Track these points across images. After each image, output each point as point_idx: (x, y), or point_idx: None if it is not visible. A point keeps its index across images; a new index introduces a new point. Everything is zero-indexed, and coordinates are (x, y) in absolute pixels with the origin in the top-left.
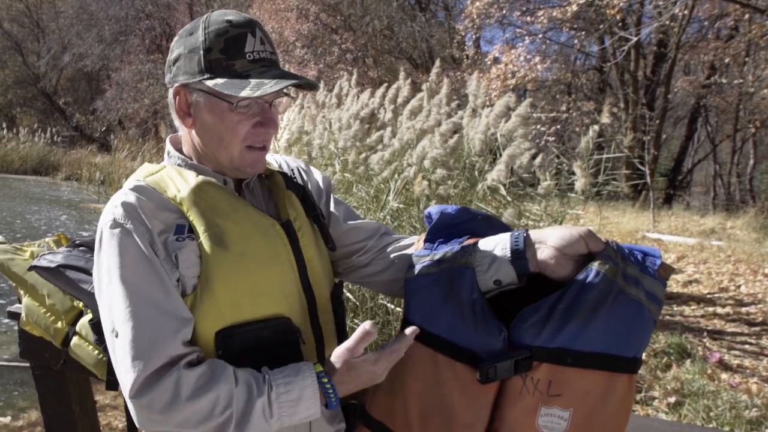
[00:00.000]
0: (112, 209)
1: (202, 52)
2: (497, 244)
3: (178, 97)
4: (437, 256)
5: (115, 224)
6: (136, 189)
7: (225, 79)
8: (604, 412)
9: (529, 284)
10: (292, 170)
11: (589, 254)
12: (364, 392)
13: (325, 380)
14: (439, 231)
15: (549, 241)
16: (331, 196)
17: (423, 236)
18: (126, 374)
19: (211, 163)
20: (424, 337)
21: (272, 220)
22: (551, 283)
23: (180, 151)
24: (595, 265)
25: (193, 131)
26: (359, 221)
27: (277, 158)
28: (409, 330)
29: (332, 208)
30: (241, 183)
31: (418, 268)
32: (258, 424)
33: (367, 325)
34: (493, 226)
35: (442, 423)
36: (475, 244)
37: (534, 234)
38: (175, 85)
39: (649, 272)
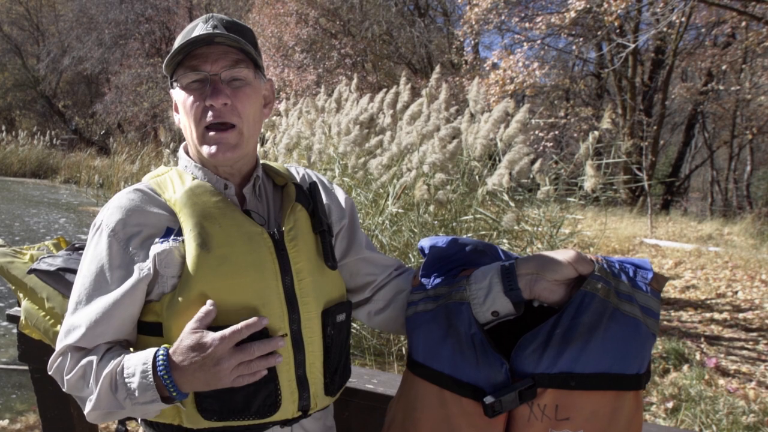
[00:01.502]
0: (105, 211)
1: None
2: (490, 276)
3: (171, 99)
4: (433, 293)
5: (100, 226)
6: (134, 192)
7: (171, 61)
8: (615, 430)
9: (529, 309)
10: (310, 184)
11: (580, 276)
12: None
13: (161, 357)
14: (433, 265)
15: (538, 270)
16: (356, 219)
17: (419, 271)
18: (56, 347)
19: (210, 165)
20: (429, 374)
21: (261, 228)
22: (550, 307)
23: (189, 153)
24: (587, 287)
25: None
26: (376, 254)
27: (300, 170)
28: (253, 319)
29: (356, 232)
30: (243, 187)
31: (416, 305)
32: (106, 394)
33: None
34: (486, 253)
35: None
36: (469, 277)
37: (522, 263)
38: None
39: (641, 287)
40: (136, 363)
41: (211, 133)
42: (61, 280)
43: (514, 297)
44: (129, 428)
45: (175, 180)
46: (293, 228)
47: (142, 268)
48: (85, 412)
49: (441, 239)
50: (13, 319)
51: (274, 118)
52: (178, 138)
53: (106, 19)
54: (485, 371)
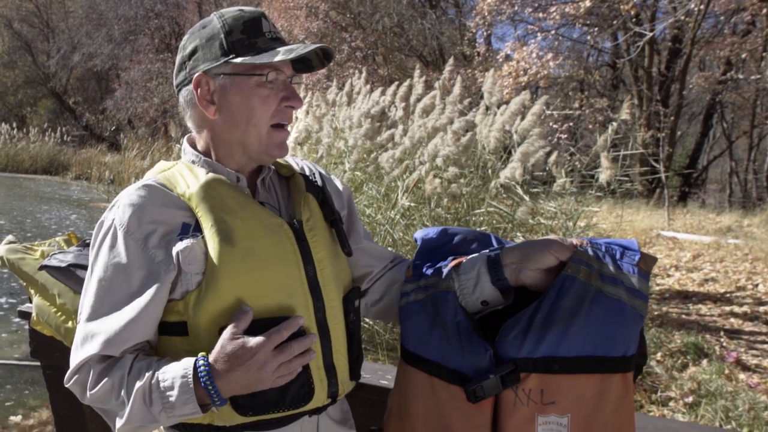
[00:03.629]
0: (115, 209)
1: (222, 36)
2: (477, 267)
3: (199, 88)
4: (423, 283)
5: (111, 226)
6: (144, 188)
7: (252, 54)
8: (602, 414)
9: (524, 296)
10: (313, 174)
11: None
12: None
13: (203, 366)
14: (425, 256)
15: (520, 259)
16: (354, 208)
17: (413, 263)
18: (71, 358)
19: (227, 158)
20: (419, 362)
21: (280, 219)
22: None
23: (195, 148)
24: (567, 271)
25: (217, 119)
26: (374, 244)
27: (297, 161)
28: (292, 319)
29: (355, 221)
30: (255, 180)
31: (408, 296)
32: (139, 409)
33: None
34: (477, 242)
35: None
36: (458, 266)
37: (507, 252)
38: (196, 75)
39: (627, 268)
40: (174, 375)
41: (279, 132)
42: (72, 276)
43: (501, 286)
44: None
45: (186, 174)
46: (310, 218)
47: (165, 268)
48: (116, 427)
49: (432, 230)
50: (25, 315)
51: None
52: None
53: (115, 15)
54: (470, 358)
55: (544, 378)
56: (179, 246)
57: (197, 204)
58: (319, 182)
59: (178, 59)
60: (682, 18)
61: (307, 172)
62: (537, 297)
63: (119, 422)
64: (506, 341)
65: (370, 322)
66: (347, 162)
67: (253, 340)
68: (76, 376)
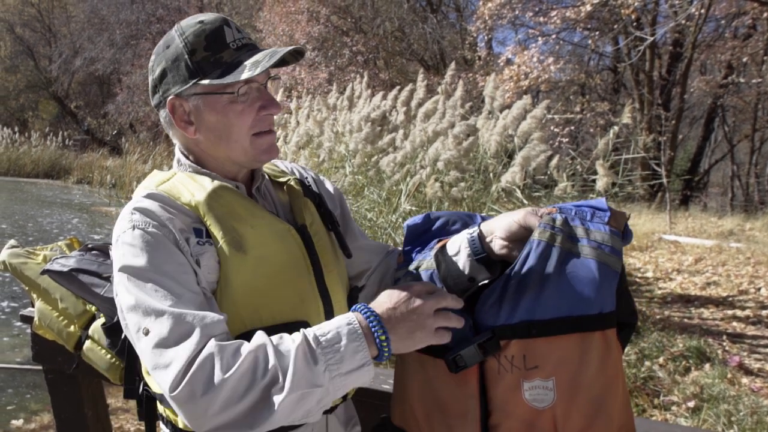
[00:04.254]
0: (128, 216)
1: (186, 56)
2: (459, 245)
3: (174, 110)
4: (411, 267)
5: (134, 228)
6: (150, 196)
7: (219, 72)
8: (587, 374)
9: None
10: (306, 178)
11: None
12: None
13: (369, 312)
14: (412, 242)
15: (496, 232)
16: (347, 208)
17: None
18: (162, 371)
19: (221, 168)
20: None
21: (287, 224)
22: None
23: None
24: (534, 236)
25: (199, 138)
26: (368, 240)
27: (287, 165)
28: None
29: (349, 221)
30: (251, 188)
31: (398, 281)
32: (303, 371)
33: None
34: (460, 221)
35: (441, 419)
36: (443, 247)
37: (484, 227)
38: (169, 98)
39: (598, 227)
40: (337, 326)
41: (263, 138)
42: (74, 280)
43: (483, 261)
44: None
45: (188, 183)
46: (313, 223)
47: (193, 264)
48: (275, 407)
49: (418, 217)
50: (27, 319)
51: (285, 116)
52: None
53: (117, 20)
54: (452, 330)
55: (525, 343)
56: (199, 250)
57: (205, 212)
58: (314, 186)
59: (150, 81)
60: (683, 22)
61: (302, 177)
62: None
63: (279, 396)
64: (484, 310)
65: None
66: (348, 166)
67: (419, 299)
68: (191, 373)
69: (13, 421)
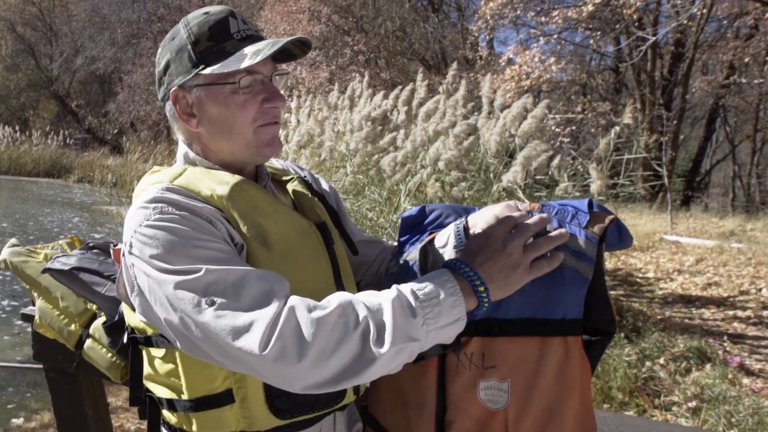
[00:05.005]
0: (148, 206)
1: (189, 47)
2: (448, 237)
3: (177, 102)
4: (401, 258)
5: (161, 212)
6: (169, 190)
7: (221, 62)
8: (543, 379)
9: None
10: (305, 177)
11: None
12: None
13: (461, 264)
14: (406, 234)
15: (479, 225)
16: (342, 205)
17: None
18: (245, 335)
19: (224, 166)
20: None
21: (308, 221)
22: None
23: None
24: None
25: (201, 131)
26: (363, 236)
27: (284, 164)
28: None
29: (346, 218)
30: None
31: (387, 272)
32: (403, 322)
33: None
34: (454, 214)
35: (402, 408)
36: (432, 240)
37: (471, 219)
38: (172, 90)
39: (574, 231)
40: (432, 281)
41: (267, 129)
42: (75, 279)
43: None
44: None
45: (204, 178)
46: (326, 220)
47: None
48: (373, 363)
49: (412, 210)
50: (28, 318)
51: (286, 115)
52: None
53: (118, 19)
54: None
55: (486, 341)
56: (233, 232)
57: (230, 206)
58: (314, 185)
59: (156, 73)
60: (685, 22)
61: (305, 176)
62: None
63: (379, 350)
64: None
65: None
66: (349, 165)
67: (505, 239)
68: (279, 329)
69: (14, 420)
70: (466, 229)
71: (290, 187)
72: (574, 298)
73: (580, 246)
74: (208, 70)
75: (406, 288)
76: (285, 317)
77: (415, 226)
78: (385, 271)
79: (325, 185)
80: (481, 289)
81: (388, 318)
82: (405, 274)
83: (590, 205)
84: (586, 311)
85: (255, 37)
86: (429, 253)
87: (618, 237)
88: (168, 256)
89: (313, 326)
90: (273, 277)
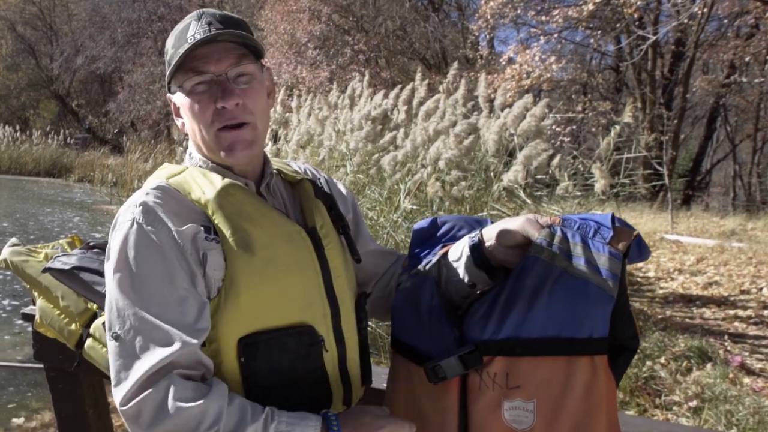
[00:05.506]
0: (131, 209)
1: (167, 56)
2: (462, 250)
3: (171, 106)
4: (414, 272)
5: (133, 224)
6: (159, 189)
7: (173, 68)
8: (570, 400)
9: None
10: (318, 179)
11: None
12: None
13: (334, 420)
14: (418, 246)
15: (495, 237)
16: (359, 211)
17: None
18: (119, 382)
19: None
20: (400, 347)
21: (298, 226)
22: None
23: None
24: (531, 252)
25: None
26: (377, 246)
27: (300, 165)
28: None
29: (361, 225)
30: (259, 187)
31: (399, 285)
32: None
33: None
34: (467, 227)
35: (421, 428)
36: (445, 253)
37: (486, 232)
38: (167, 94)
39: (598, 248)
40: (298, 421)
41: (225, 134)
42: (75, 278)
43: (485, 267)
44: None
45: (199, 179)
46: (323, 225)
47: (197, 265)
48: None
49: (425, 221)
50: (28, 317)
51: (287, 115)
52: None
53: (118, 18)
54: (437, 340)
55: (509, 361)
56: (207, 246)
57: (214, 210)
58: (326, 188)
59: None
60: (686, 21)
61: (315, 178)
62: None
63: None
64: (472, 323)
65: (373, 325)
66: (349, 165)
67: (387, 426)
68: (143, 395)
69: (14, 419)
70: (480, 242)
71: (298, 188)
72: (600, 316)
73: (604, 263)
74: (168, 78)
75: (275, 419)
76: (153, 389)
77: (427, 239)
78: (396, 285)
79: (342, 190)
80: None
81: None
82: (419, 290)
83: (612, 219)
84: (609, 328)
85: (209, 38)
86: (443, 267)
87: (638, 251)
88: (115, 273)
89: (171, 410)
90: (173, 340)
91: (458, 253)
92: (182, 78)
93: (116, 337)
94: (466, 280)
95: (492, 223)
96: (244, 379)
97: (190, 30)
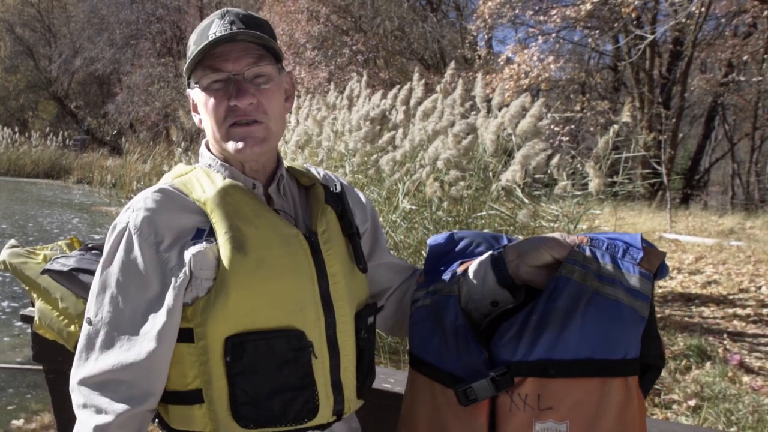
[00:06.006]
0: (129, 212)
1: (188, 51)
2: (483, 268)
3: (190, 100)
4: (432, 288)
5: (125, 229)
6: (160, 192)
7: (191, 64)
8: (604, 421)
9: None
10: (335, 185)
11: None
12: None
13: None
14: (434, 261)
15: (519, 256)
16: (378, 221)
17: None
18: (78, 366)
19: (236, 162)
20: (422, 367)
21: (296, 230)
22: None
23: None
24: (562, 272)
25: (204, 128)
26: (394, 259)
27: (320, 171)
28: None
29: (379, 236)
30: (268, 187)
31: (417, 302)
32: None
33: None
34: (485, 243)
35: None
36: (465, 271)
37: (508, 250)
38: (187, 89)
39: (627, 268)
40: None
41: (237, 129)
42: (74, 280)
43: (507, 285)
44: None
45: (203, 179)
46: (326, 230)
47: (178, 274)
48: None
49: (441, 236)
50: (28, 319)
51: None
52: (190, 137)
53: (117, 20)
54: (465, 361)
55: (541, 382)
56: (192, 250)
57: (212, 210)
58: (342, 194)
59: None
60: (683, 20)
61: (330, 184)
62: None
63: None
64: (501, 344)
65: None
66: (348, 165)
67: None
68: (96, 395)
69: (14, 421)
70: (502, 261)
71: (309, 192)
72: (633, 338)
73: (634, 284)
74: (187, 74)
75: None
76: (109, 399)
77: (444, 255)
78: (411, 301)
79: (362, 198)
80: None
81: None
82: (442, 309)
83: (642, 240)
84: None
85: (227, 36)
86: (463, 284)
87: (660, 269)
88: (103, 269)
89: (106, 410)
90: (137, 351)
91: (479, 270)
92: (200, 74)
93: (90, 322)
94: (488, 298)
95: (509, 240)
96: (229, 380)
97: (212, 27)
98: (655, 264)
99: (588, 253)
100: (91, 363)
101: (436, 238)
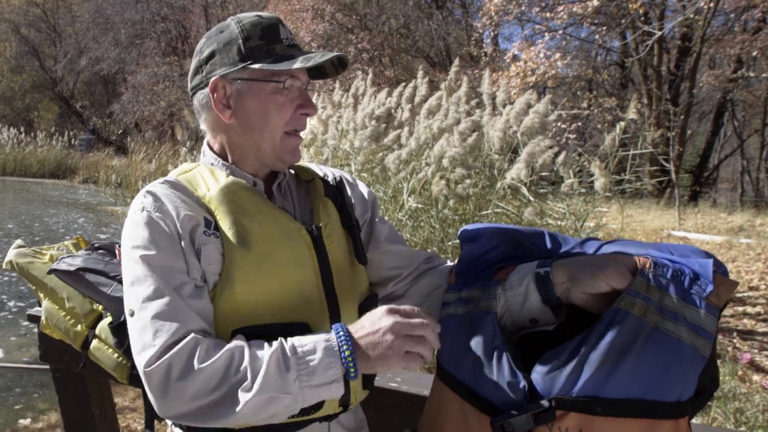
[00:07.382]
0: (141, 198)
1: (240, 41)
2: (526, 284)
3: (216, 91)
4: (465, 295)
5: (144, 210)
6: (167, 183)
7: (270, 60)
8: None
9: (573, 313)
10: (336, 179)
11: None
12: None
13: (343, 333)
14: (469, 262)
15: (572, 280)
16: (377, 212)
17: (454, 267)
18: (142, 350)
19: (242, 162)
20: (453, 383)
21: (298, 224)
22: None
23: (213, 151)
24: (620, 304)
25: (233, 123)
26: (400, 246)
27: (322, 168)
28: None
29: (375, 225)
30: (271, 185)
31: (448, 307)
32: (275, 376)
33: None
34: (525, 245)
35: None
36: (504, 282)
37: (557, 269)
38: (213, 78)
39: (694, 301)
40: (315, 340)
41: (291, 138)
42: (81, 279)
43: (552, 305)
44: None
45: (207, 177)
46: (328, 224)
47: (197, 255)
48: (240, 404)
49: (479, 230)
50: (34, 319)
51: None
52: (195, 136)
53: (122, 19)
54: (503, 388)
55: (585, 418)
56: (204, 241)
57: (216, 206)
58: (341, 187)
59: (194, 63)
60: (692, 16)
61: (330, 178)
62: (591, 315)
63: (246, 396)
64: (545, 375)
65: None
66: (353, 163)
67: (391, 319)
68: (168, 356)
69: (21, 421)
70: (549, 281)
71: (308, 187)
72: (692, 379)
73: (699, 320)
74: (257, 66)
75: (290, 342)
76: (177, 349)
77: (480, 256)
78: (442, 303)
79: (363, 191)
80: (349, 358)
81: (263, 368)
82: (477, 325)
83: (713, 265)
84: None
85: (299, 47)
86: (500, 298)
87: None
88: (130, 255)
89: (199, 363)
90: (185, 309)
91: (520, 284)
92: (268, 72)
93: (132, 314)
94: (527, 315)
95: (549, 237)
96: None
97: (281, 32)
98: (724, 298)
99: (651, 281)
100: (159, 337)
101: (469, 234)
